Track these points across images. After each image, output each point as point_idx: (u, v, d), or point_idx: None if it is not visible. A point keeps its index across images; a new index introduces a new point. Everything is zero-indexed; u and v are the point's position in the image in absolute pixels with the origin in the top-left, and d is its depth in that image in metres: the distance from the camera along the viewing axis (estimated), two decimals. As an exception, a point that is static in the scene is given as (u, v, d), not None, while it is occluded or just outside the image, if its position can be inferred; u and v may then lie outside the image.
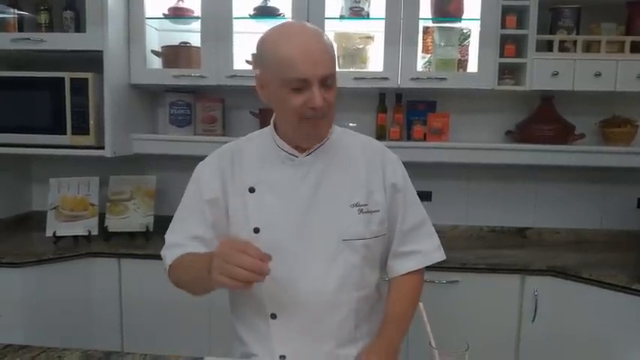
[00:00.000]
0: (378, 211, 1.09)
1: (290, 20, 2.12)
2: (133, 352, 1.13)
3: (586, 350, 1.86)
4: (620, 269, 1.91)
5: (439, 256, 1.19)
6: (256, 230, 1.06)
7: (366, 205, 1.08)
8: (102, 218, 2.28)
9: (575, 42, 2.11)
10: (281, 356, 1.08)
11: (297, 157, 1.08)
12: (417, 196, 1.20)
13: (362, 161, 1.12)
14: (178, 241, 1.10)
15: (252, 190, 1.08)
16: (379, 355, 1.05)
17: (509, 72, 2.17)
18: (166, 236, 1.15)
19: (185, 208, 1.14)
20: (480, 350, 0.95)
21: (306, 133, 1.05)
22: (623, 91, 2.09)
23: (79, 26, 2.22)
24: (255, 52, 1.07)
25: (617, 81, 2.08)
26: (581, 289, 1.89)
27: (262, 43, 1.03)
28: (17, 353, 1.07)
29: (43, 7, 2.22)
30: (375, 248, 1.11)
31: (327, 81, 0.99)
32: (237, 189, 1.09)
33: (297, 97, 0.98)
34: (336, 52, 2.33)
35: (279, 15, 2.23)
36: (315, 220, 1.05)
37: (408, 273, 1.16)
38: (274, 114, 1.11)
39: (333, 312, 1.07)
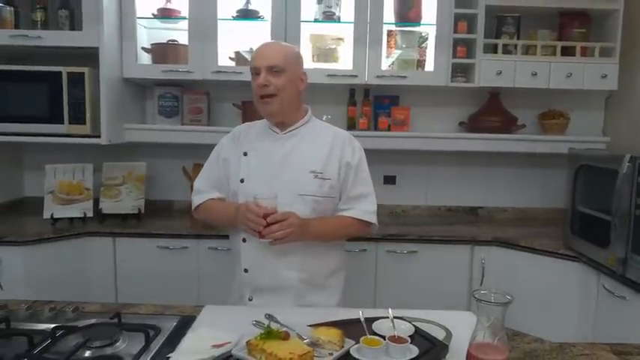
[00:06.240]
0: (330, 179, 1.46)
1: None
2: (144, 304, 1.38)
3: (526, 304, 2.16)
4: (552, 239, 2.27)
5: (372, 218, 1.51)
6: (242, 180, 1.48)
7: (321, 173, 1.45)
8: (96, 202, 2.47)
9: (516, 46, 2.45)
10: (245, 269, 1.48)
11: (278, 133, 1.49)
12: (370, 179, 1.54)
13: (328, 143, 1.49)
14: (202, 188, 1.58)
15: (245, 154, 1.51)
16: (297, 223, 1.35)
17: (460, 71, 2.49)
18: (195, 183, 1.62)
19: (209, 163, 1.60)
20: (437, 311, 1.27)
21: (261, 111, 1.47)
22: (556, 88, 2.45)
23: (73, 24, 2.39)
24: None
25: (550, 80, 2.43)
26: (519, 256, 2.24)
27: None
28: (44, 306, 1.27)
29: (38, 6, 2.38)
30: (324, 206, 1.46)
31: (275, 69, 1.40)
32: (237, 153, 1.52)
33: (255, 81, 1.43)
34: (307, 54, 2.57)
35: (260, 17, 2.47)
36: (281, 177, 1.44)
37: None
38: None
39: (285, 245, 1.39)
